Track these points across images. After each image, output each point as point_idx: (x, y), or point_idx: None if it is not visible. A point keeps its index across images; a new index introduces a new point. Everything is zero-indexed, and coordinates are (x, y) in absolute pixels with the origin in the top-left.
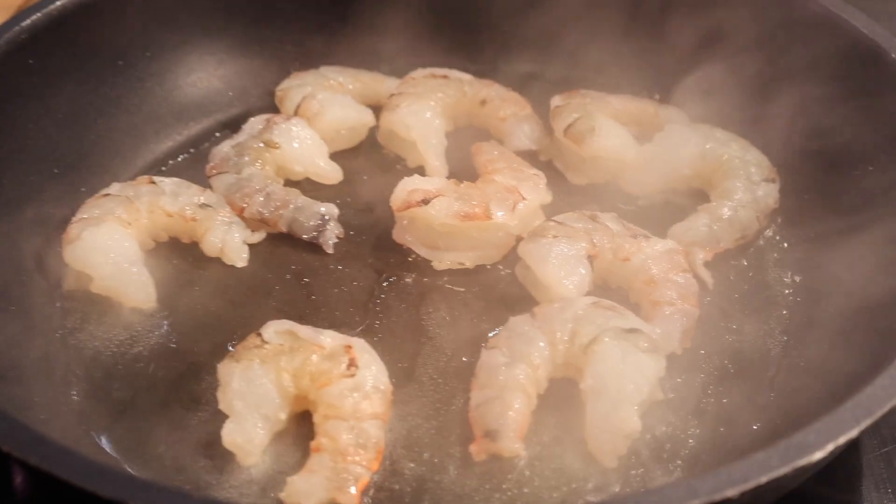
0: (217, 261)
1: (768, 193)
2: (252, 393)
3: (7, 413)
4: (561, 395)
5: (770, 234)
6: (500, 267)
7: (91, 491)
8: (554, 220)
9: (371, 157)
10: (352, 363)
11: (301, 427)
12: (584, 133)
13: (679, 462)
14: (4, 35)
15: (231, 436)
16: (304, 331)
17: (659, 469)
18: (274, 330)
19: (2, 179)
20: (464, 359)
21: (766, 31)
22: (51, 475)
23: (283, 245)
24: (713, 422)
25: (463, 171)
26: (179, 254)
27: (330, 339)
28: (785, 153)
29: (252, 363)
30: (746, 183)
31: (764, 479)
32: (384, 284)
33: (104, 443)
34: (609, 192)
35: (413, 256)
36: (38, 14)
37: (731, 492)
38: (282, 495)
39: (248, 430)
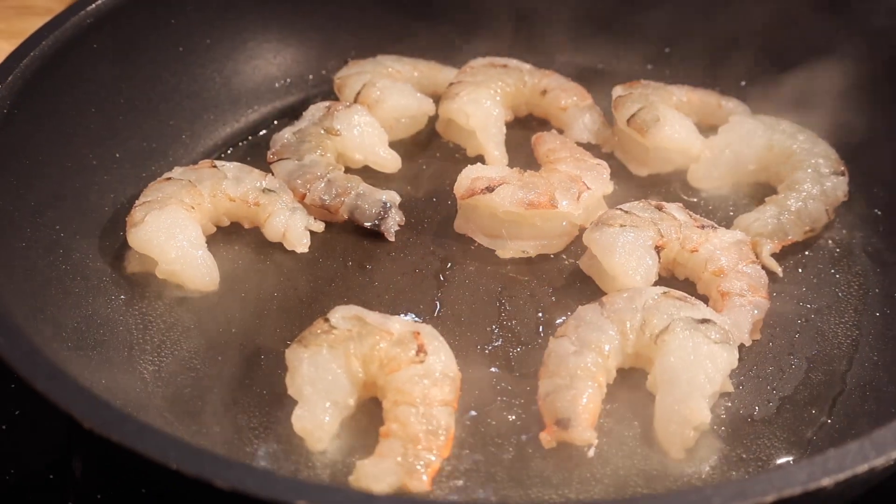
0: (278, 247)
1: (837, 186)
2: (321, 378)
3: (88, 391)
4: (626, 386)
5: (838, 227)
6: (564, 256)
7: (175, 469)
8: (620, 209)
9: (429, 147)
10: (420, 349)
11: (367, 413)
12: (648, 123)
13: (750, 454)
14: (70, 20)
15: (301, 421)
16: (372, 316)
17: (727, 461)
18: (341, 315)
19: (64, 163)
20: (531, 347)
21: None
22: (134, 452)
23: (342, 232)
24: (781, 415)
25: (522, 161)
26: (240, 239)
27: (398, 325)
28: (855, 147)
29: (320, 349)
30: (815, 175)
31: (861, 470)
32: (447, 272)
33: (170, 426)
34: (671, 183)
35: (475, 245)
36: (102, 0)
37: (827, 481)
38: (350, 479)
39: (319, 416)
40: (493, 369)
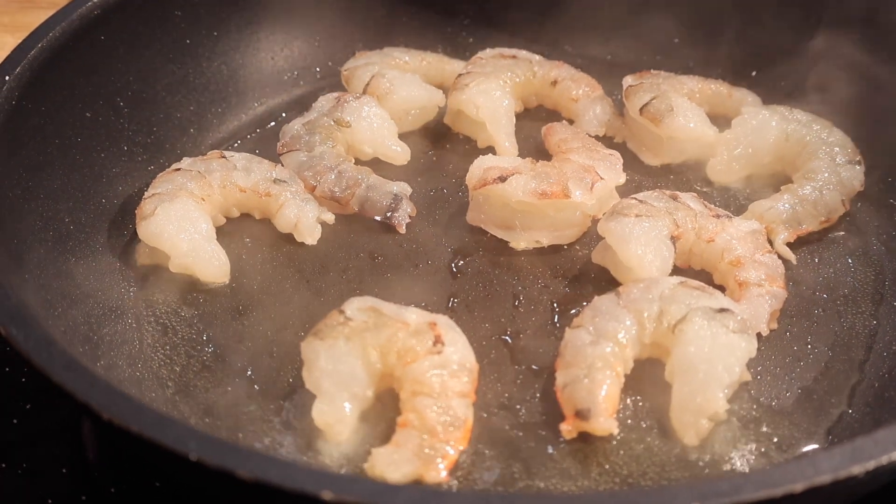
0: (288, 239)
1: (853, 176)
2: (339, 371)
3: (106, 382)
4: (643, 376)
5: (854, 217)
6: (577, 247)
7: (195, 459)
8: (635, 198)
9: (438, 138)
10: (437, 340)
11: (383, 403)
12: (662, 112)
13: (771, 444)
14: (77, 11)
15: (322, 416)
16: (388, 307)
17: (747, 451)
18: (357, 307)
19: (72, 156)
20: (546, 337)
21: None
22: (153, 443)
23: (352, 224)
24: (801, 405)
25: (532, 152)
26: (250, 230)
27: (415, 315)
28: (870, 136)
29: (337, 341)
30: (831, 164)
31: (893, 457)
32: (460, 263)
33: (183, 419)
34: (682, 173)
35: (487, 236)
36: None
37: (857, 469)
38: (365, 466)
39: (339, 410)
40: (508, 360)
